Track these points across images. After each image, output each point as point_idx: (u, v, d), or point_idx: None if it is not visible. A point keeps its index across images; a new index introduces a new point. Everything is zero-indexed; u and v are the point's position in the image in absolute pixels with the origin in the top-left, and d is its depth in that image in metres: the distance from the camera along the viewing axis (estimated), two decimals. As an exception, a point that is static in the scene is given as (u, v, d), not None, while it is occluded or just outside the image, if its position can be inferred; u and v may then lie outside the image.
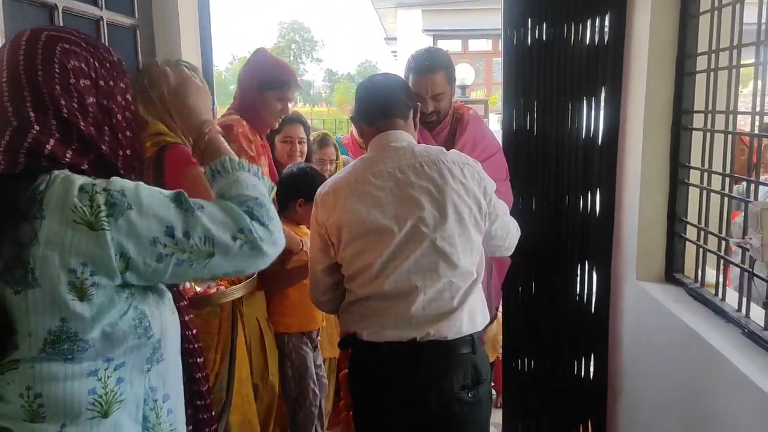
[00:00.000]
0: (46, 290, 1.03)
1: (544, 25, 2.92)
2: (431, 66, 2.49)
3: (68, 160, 1.10)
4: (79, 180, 1.07)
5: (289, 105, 2.65)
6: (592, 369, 2.89)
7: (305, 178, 2.68)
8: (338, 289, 2.02)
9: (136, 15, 2.77)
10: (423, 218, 1.84)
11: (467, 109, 2.75)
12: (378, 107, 2.00)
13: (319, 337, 2.86)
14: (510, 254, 2.27)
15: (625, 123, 2.59)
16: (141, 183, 1.12)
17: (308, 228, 2.72)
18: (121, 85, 1.24)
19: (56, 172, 1.07)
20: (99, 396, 1.10)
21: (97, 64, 1.18)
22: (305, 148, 3.09)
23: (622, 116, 2.61)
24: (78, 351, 1.07)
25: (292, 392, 2.70)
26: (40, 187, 1.04)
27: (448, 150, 1.98)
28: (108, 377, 1.11)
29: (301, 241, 2.54)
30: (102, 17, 2.48)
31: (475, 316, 1.93)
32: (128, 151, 1.23)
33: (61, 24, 2.18)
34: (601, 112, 2.69)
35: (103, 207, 1.04)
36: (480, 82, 14.70)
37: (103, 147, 1.16)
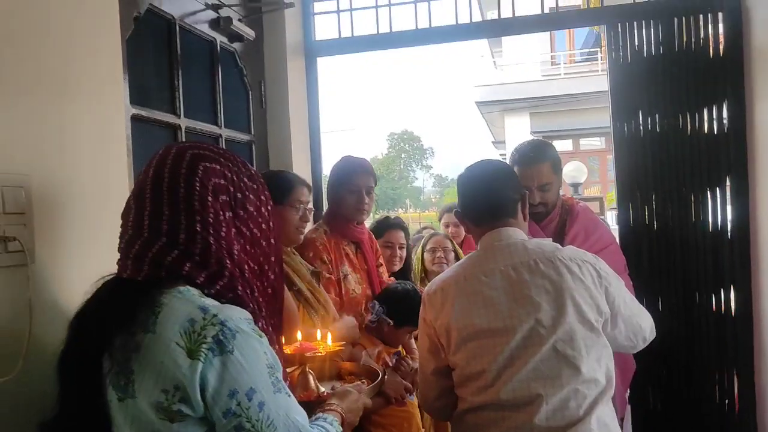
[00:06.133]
0: (141, 404, 1.03)
1: (657, 116, 2.83)
2: (536, 157, 2.42)
3: (186, 272, 1.11)
4: (198, 302, 1.07)
5: (372, 196, 2.52)
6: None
7: (406, 303, 2.46)
8: (452, 395, 1.85)
9: (252, 132, 2.95)
10: (540, 320, 1.69)
11: (577, 201, 2.66)
12: (485, 210, 1.89)
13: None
14: (639, 350, 2.04)
15: (755, 213, 2.40)
16: (254, 335, 1.09)
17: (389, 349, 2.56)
18: (261, 197, 1.25)
19: (181, 288, 1.09)
20: None
21: (235, 178, 1.20)
22: (404, 253, 3.11)
23: (752, 206, 2.42)
24: None
25: None
26: (161, 300, 1.06)
27: (559, 242, 1.87)
28: None
29: (365, 351, 2.40)
30: (221, 134, 2.65)
31: (606, 430, 1.68)
32: (255, 266, 1.21)
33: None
34: (728, 203, 2.52)
35: (209, 340, 1.03)
36: (595, 180, 14.39)
37: (228, 263, 1.15)
